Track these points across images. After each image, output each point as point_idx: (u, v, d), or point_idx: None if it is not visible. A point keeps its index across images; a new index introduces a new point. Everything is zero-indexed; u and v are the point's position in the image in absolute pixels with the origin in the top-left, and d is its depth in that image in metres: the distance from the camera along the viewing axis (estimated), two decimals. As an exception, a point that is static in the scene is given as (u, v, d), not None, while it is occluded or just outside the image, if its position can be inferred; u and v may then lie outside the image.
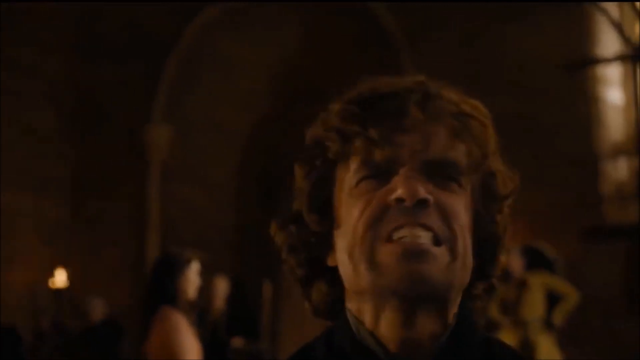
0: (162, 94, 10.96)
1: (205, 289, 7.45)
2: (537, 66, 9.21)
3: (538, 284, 7.09)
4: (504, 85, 9.25)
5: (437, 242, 0.98)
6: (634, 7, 8.76)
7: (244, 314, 8.27)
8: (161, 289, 3.98)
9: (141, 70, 10.93)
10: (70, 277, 10.38)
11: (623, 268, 8.75)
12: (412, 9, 9.79)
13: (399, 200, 0.97)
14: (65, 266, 10.41)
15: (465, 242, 1.00)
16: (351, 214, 1.01)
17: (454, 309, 1.02)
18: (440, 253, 0.97)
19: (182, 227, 10.71)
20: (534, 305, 6.99)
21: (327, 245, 1.07)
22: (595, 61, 9.21)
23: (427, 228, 0.97)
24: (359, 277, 0.99)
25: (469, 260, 1.02)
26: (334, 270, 1.06)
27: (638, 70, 8.94)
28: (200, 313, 7.20)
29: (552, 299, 7.10)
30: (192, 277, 4.07)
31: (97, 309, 8.81)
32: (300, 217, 1.09)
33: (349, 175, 1.03)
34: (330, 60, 10.09)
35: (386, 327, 1.00)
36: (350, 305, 1.05)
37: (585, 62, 9.15)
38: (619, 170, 9.30)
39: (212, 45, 10.86)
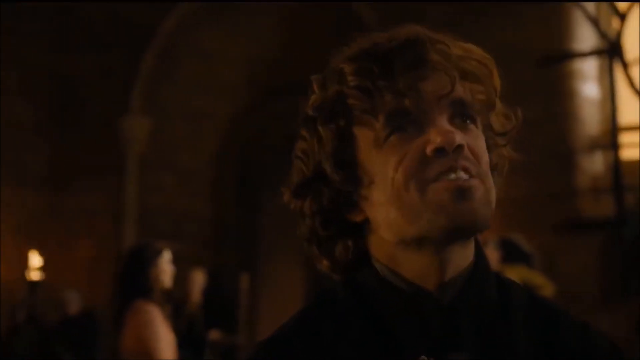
0: (140, 85, 10.91)
1: (182, 282, 7.47)
2: (513, 60, 9.22)
3: (514, 277, 7.02)
4: (481, 78, 9.28)
5: (472, 177, 1.04)
6: (610, 3, 8.83)
7: (221, 306, 8.26)
8: (133, 281, 3.96)
9: (119, 61, 10.86)
10: (47, 270, 10.30)
11: (598, 261, 8.82)
12: (389, 0, 9.80)
13: (439, 149, 1.02)
14: (42, 258, 10.33)
15: (490, 176, 1.07)
16: (386, 167, 1.04)
17: (472, 240, 1.10)
18: (480, 186, 1.03)
19: (159, 218, 10.68)
20: (510, 298, 7.03)
21: (351, 202, 1.10)
22: (572, 56, 9.26)
23: (466, 169, 1.03)
24: (412, 224, 1.03)
25: (494, 192, 1.07)
26: (358, 226, 1.10)
27: (614, 65, 9.01)
28: (177, 306, 7.20)
29: (528, 292, 7.13)
30: (165, 267, 4.05)
31: (74, 302, 8.76)
32: (319, 180, 1.10)
33: (377, 129, 1.05)
34: (308, 52, 10.05)
35: (419, 268, 1.06)
36: (379, 255, 1.09)
37: (561, 57, 9.20)
38: (595, 164, 9.37)
39: (190, 36, 10.81)
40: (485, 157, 1.06)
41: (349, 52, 1.10)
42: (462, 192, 1.01)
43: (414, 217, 1.02)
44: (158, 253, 4.07)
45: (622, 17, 8.74)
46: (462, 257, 1.07)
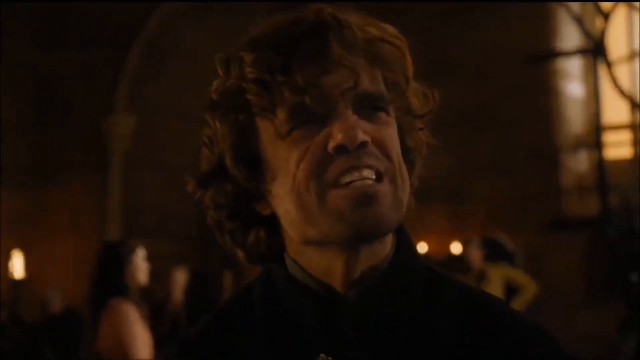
0: (125, 83, 10.87)
1: (165, 280, 7.46)
2: (498, 58, 9.26)
3: (497, 276, 7.12)
4: (465, 76, 9.29)
5: (379, 176, 0.98)
6: (594, 3, 8.85)
7: (204, 304, 8.23)
8: (109, 280, 3.94)
9: (104, 59, 10.83)
10: (30, 268, 10.26)
11: (583, 260, 8.84)
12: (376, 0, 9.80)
13: (340, 146, 0.96)
14: (25, 256, 10.29)
15: (402, 169, 1.02)
16: (288, 163, 1.00)
17: (391, 236, 1.05)
18: (385, 188, 0.98)
19: (144, 216, 10.65)
20: (493, 297, 7.03)
21: (258, 195, 1.06)
22: (556, 55, 9.28)
23: (369, 167, 0.97)
24: (308, 225, 0.99)
25: (407, 185, 1.03)
26: (270, 217, 1.06)
27: (598, 64, 9.04)
28: (159, 304, 7.18)
29: (511, 291, 7.14)
30: (139, 264, 4.03)
31: (56, 301, 8.72)
32: (222, 172, 1.06)
33: (278, 125, 1.00)
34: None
35: (327, 267, 1.02)
36: (290, 249, 1.06)
37: (546, 56, 9.22)
38: (579, 162, 9.40)
39: (175, 34, 10.78)
40: (395, 149, 1.01)
41: (253, 35, 1.04)
42: (364, 198, 0.96)
43: (313, 220, 0.98)
44: (133, 251, 4.04)
45: (606, 16, 8.77)
46: (373, 255, 1.02)
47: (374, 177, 0.98)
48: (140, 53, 10.80)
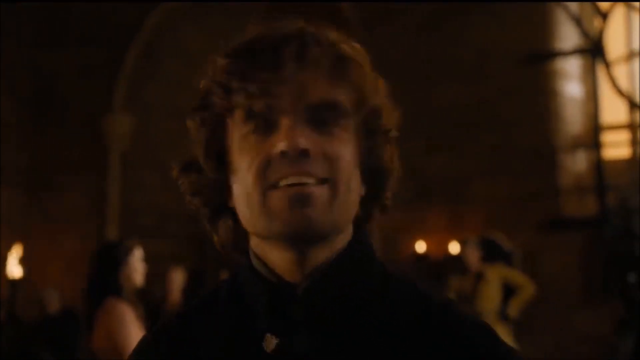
0: (124, 83, 10.88)
1: (163, 279, 7.44)
2: (496, 58, 9.26)
3: (495, 276, 7.12)
4: (463, 76, 9.29)
5: (319, 182, 1.05)
6: (593, 3, 8.85)
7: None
8: (105, 280, 3.93)
9: (102, 59, 10.83)
10: (29, 267, 10.24)
11: (580, 260, 8.83)
12: (375, 0, 9.80)
13: (283, 153, 1.04)
14: (23, 256, 10.27)
15: (348, 180, 1.08)
16: (242, 165, 1.08)
17: (346, 237, 1.11)
18: (322, 192, 1.05)
19: (142, 216, 10.65)
20: (490, 297, 7.03)
21: (227, 188, 1.14)
22: (555, 54, 9.27)
23: (309, 175, 1.04)
24: (254, 222, 1.08)
25: (354, 196, 1.10)
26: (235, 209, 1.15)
27: (596, 64, 9.03)
28: (156, 305, 7.17)
29: (508, 291, 7.14)
30: (136, 265, 4.01)
31: (53, 301, 8.71)
32: (198, 163, 1.15)
33: (236, 128, 1.10)
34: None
35: (280, 261, 1.09)
36: (252, 242, 1.14)
37: (544, 56, 9.21)
38: (578, 162, 9.39)
39: (173, 34, 10.78)
40: (342, 160, 1.07)
41: (234, 42, 1.12)
42: (298, 199, 1.03)
43: (258, 218, 1.07)
44: (130, 251, 4.03)
45: (605, 16, 8.76)
46: (325, 250, 1.08)
47: (311, 181, 1.04)
48: (139, 53, 10.80)
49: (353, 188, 1.08)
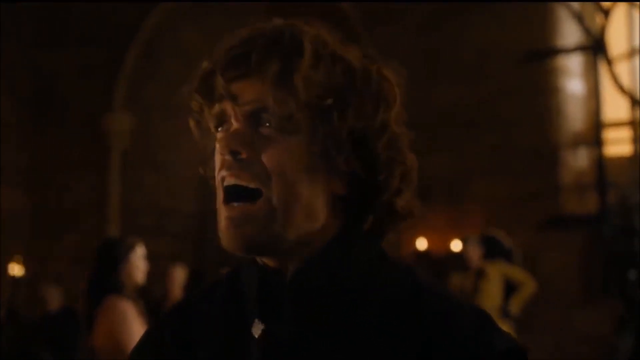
0: (123, 82, 10.88)
1: (163, 278, 7.43)
2: (497, 57, 9.24)
3: (496, 273, 7.12)
4: (464, 75, 9.28)
5: (255, 195, 1.05)
6: (595, 0, 8.83)
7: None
8: (105, 278, 3.91)
9: (102, 58, 10.83)
10: (30, 266, 10.26)
11: (580, 258, 8.82)
12: (376, 0, 9.78)
13: (222, 154, 1.06)
14: (25, 255, 10.28)
15: (288, 189, 1.05)
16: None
17: (326, 237, 1.09)
18: (257, 211, 1.05)
19: (142, 215, 10.65)
20: (492, 295, 7.03)
21: None
22: (556, 52, 9.25)
23: (240, 177, 1.05)
24: None
25: (309, 200, 1.07)
26: None
27: (598, 61, 9.01)
28: (157, 303, 7.16)
29: (510, 288, 7.14)
30: (137, 263, 3.99)
31: (54, 298, 8.70)
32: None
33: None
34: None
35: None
36: None
37: (545, 53, 9.19)
38: (579, 160, 9.37)
39: (172, 33, 10.78)
40: (282, 169, 1.05)
41: (223, 43, 1.12)
42: (236, 220, 1.05)
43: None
44: (131, 249, 4.01)
45: (606, 13, 8.76)
46: (300, 251, 1.08)
47: (248, 196, 1.04)
48: (139, 53, 10.81)
49: (296, 197, 1.05)
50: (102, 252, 4.05)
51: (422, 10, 9.61)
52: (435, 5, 9.55)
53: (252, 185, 1.04)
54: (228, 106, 1.07)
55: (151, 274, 4.34)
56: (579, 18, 8.96)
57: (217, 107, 1.08)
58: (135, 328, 3.87)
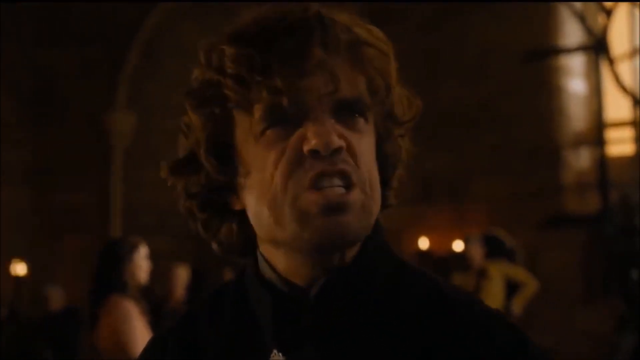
0: (125, 80, 10.88)
1: (166, 278, 7.42)
2: (499, 55, 9.24)
3: (498, 273, 7.11)
4: (465, 74, 9.28)
5: (350, 185, 0.96)
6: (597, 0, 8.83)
7: (204, 302, 8.20)
8: (108, 277, 3.92)
9: (104, 57, 10.84)
10: (32, 266, 10.26)
11: (582, 257, 8.82)
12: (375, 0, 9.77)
13: (314, 150, 0.95)
14: (27, 254, 10.28)
15: (372, 178, 0.99)
16: (263, 163, 0.98)
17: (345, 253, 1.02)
18: (355, 198, 0.96)
19: (145, 214, 10.65)
20: (494, 294, 7.02)
21: (230, 189, 1.04)
22: (558, 51, 9.25)
23: (341, 172, 0.96)
24: (280, 228, 0.98)
25: (377, 194, 1.01)
26: (242, 212, 1.05)
27: (600, 61, 9.01)
28: (160, 302, 7.15)
29: (511, 288, 7.14)
30: (140, 262, 4.00)
31: (56, 298, 8.70)
32: (196, 162, 1.04)
33: (253, 122, 0.99)
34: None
35: (293, 266, 1.01)
36: (260, 245, 1.05)
37: (547, 52, 9.19)
38: (580, 160, 9.37)
39: (174, 32, 10.77)
40: (365, 158, 0.99)
41: (237, 27, 1.02)
42: (333, 206, 0.94)
43: (283, 223, 0.97)
44: (134, 248, 4.02)
45: (608, 13, 8.75)
46: (339, 258, 1.00)
47: (343, 184, 0.96)
48: (140, 52, 10.80)
49: (375, 187, 1.00)
50: (106, 252, 4.06)
51: (422, 10, 9.61)
52: (436, 5, 9.55)
53: (352, 176, 0.96)
54: (309, 96, 0.97)
55: (152, 273, 4.35)
56: (581, 17, 8.95)
57: (285, 100, 0.96)
58: (139, 327, 3.89)
